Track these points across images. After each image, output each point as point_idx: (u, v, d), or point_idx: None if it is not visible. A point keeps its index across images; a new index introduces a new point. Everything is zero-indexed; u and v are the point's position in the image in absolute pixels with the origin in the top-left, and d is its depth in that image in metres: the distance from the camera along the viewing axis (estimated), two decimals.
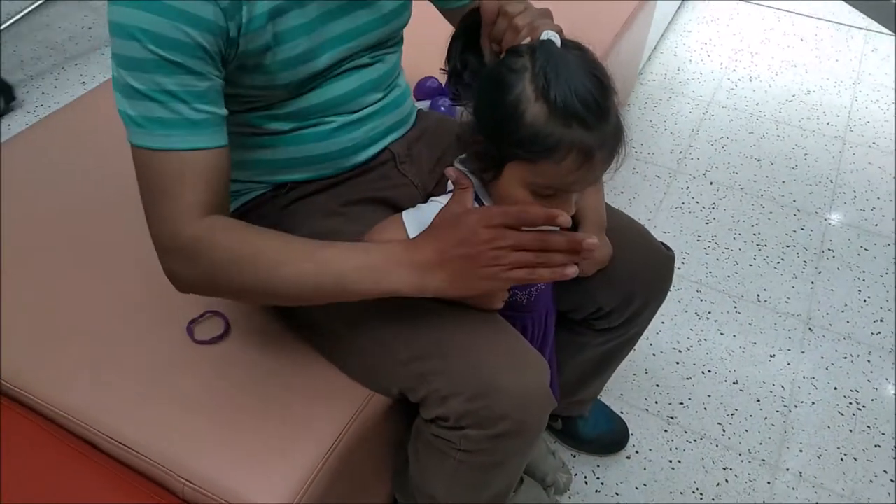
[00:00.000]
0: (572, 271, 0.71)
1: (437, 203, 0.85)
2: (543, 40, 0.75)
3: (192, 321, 1.01)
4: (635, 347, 1.26)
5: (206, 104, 0.74)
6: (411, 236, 0.84)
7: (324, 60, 0.85)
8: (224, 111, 0.77)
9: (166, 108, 0.72)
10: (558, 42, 0.75)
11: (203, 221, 0.76)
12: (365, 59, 0.92)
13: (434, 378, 0.86)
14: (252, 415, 0.92)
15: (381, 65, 0.95)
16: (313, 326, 0.97)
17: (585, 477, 1.39)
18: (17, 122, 2.13)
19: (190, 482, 0.86)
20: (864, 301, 1.76)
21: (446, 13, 1.04)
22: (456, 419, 0.86)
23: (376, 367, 0.92)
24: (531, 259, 0.71)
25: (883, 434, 1.48)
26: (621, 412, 1.47)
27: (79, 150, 1.27)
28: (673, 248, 1.12)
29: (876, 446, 1.46)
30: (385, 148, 1.00)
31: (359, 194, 0.99)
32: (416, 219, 0.85)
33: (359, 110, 0.93)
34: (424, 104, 1.43)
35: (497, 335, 0.89)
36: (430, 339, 0.87)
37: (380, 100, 0.95)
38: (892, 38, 2.77)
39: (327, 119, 0.90)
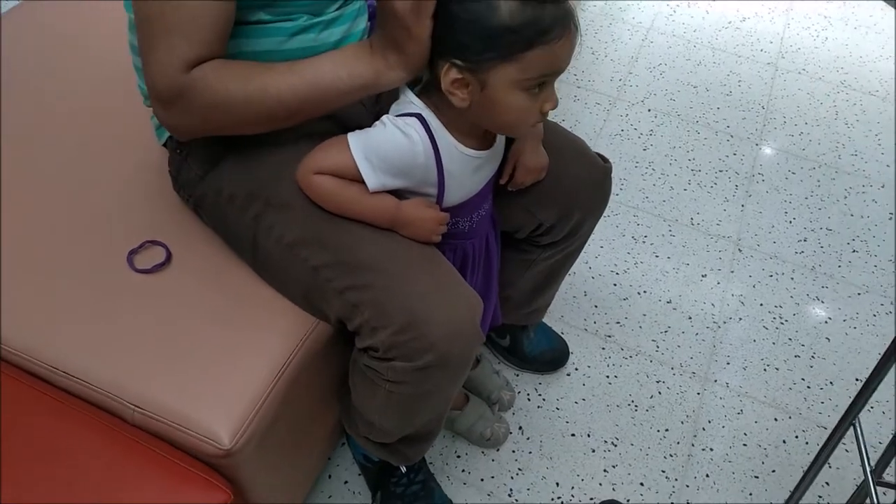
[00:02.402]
0: None
1: (382, 125, 0.85)
2: None
3: (132, 251, 0.99)
4: (575, 271, 1.31)
5: None
6: (356, 159, 0.84)
7: None
8: None
9: None
10: None
11: (198, 69, 0.79)
12: None
13: (366, 308, 0.88)
14: (199, 341, 0.93)
15: None
16: (255, 251, 0.97)
17: (528, 394, 1.45)
18: None
19: (139, 407, 0.87)
20: (790, 222, 1.85)
21: None
22: (384, 350, 0.88)
23: (315, 293, 0.93)
24: None
25: (802, 345, 1.58)
26: (562, 332, 1.53)
27: None
28: (612, 176, 1.15)
29: (795, 356, 1.56)
30: None
31: None
32: (362, 142, 0.84)
33: (322, 14, 0.90)
34: None
35: (431, 269, 0.91)
36: (366, 269, 0.88)
37: (344, 6, 0.93)
38: None
39: (294, 15, 0.88)
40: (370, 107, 1.01)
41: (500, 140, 0.96)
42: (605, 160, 1.13)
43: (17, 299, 0.94)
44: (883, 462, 0.98)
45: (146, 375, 0.89)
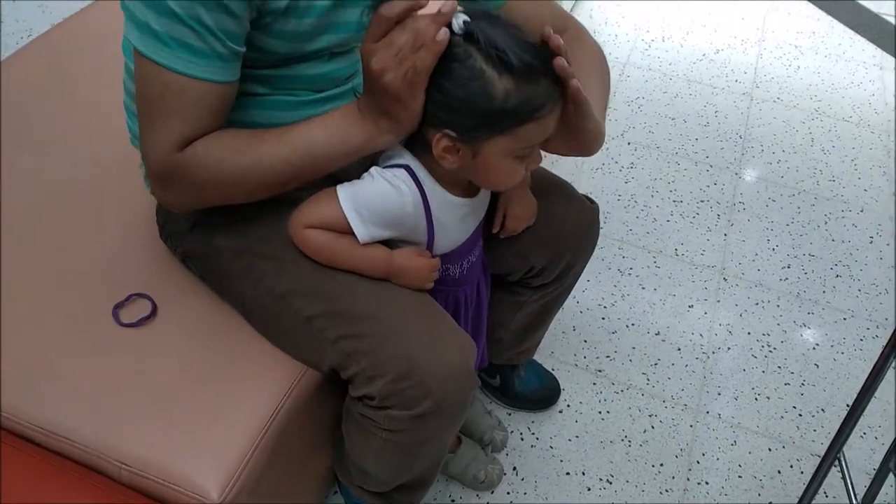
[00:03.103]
0: (443, 35, 0.72)
1: (371, 178, 0.85)
2: (463, 24, 0.74)
3: (118, 305, 0.99)
4: (563, 307, 1.31)
5: (234, 43, 0.76)
6: (346, 212, 0.84)
7: (321, 42, 0.85)
8: (244, 48, 0.79)
9: (200, 39, 0.74)
10: (469, 19, 0.75)
11: (191, 147, 0.79)
12: (350, 47, 0.91)
13: (362, 358, 0.87)
14: (186, 394, 0.92)
15: (356, 52, 0.93)
16: (245, 302, 0.97)
17: (521, 433, 1.44)
18: None
19: (126, 465, 0.85)
20: (773, 250, 1.86)
21: None
22: (381, 399, 0.87)
23: (306, 344, 0.93)
24: (408, 52, 0.72)
25: (791, 373, 1.59)
26: (552, 369, 1.53)
27: None
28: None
29: (785, 384, 1.56)
30: None
31: None
32: (351, 194, 0.85)
33: (325, 90, 0.92)
34: None
35: (424, 316, 0.91)
36: (360, 319, 0.88)
37: (345, 83, 0.94)
38: None
39: (296, 91, 0.89)
40: (362, 159, 1.02)
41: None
42: (591, 201, 1.14)
43: (3, 359, 0.93)
44: (871, 493, 0.98)
45: (132, 432, 0.88)
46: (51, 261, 1.04)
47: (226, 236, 0.94)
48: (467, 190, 0.91)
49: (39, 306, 0.99)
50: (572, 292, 1.24)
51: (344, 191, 0.85)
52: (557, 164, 2.05)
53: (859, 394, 0.90)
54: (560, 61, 0.75)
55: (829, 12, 2.81)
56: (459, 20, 0.74)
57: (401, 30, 0.72)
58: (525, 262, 1.10)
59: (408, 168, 0.85)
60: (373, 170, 0.86)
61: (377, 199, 0.85)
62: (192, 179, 0.81)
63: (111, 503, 0.83)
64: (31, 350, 0.94)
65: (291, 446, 0.98)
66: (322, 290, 0.89)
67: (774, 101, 2.36)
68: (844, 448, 1.00)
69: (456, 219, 0.91)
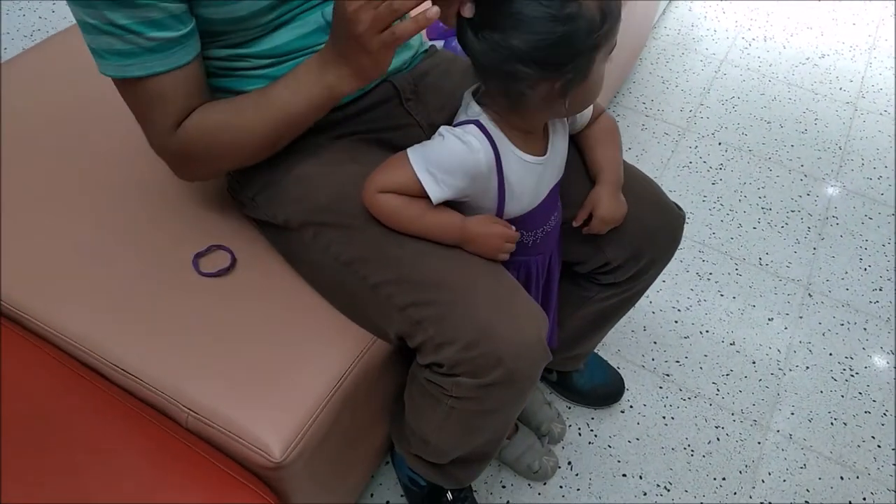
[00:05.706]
0: (433, 12, 0.72)
1: (441, 137, 0.83)
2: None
3: (198, 254, 0.99)
4: (636, 306, 1.27)
5: (161, 31, 0.77)
6: (418, 173, 0.82)
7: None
8: (184, 30, 0.79)
9: (122, 40, 0.76)
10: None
11: (182, 129, 0.84)
12: None
13: (430, 325, 0.85)
14: (258, 349, 0.92)
15: None
16: (312, 270, 0.96)
17: (579, 428, 1.40)
18: (14, 46, 2.07)
19: (194, 412, 0.86)
20: (865, 270, 1.76)
21: None
22: (450, 366, 0.85)
23: (374, 311, 0.91)
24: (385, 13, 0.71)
25: (874, 401, 1.50)
26: (618, 367, 1.48)
27: (75, 79, 1.23)
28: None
29: (866, 412, 1.48)
30: (386, 80, 0.96)
31: (359, 133, 0.96)
32: (422, 155, 0.83)
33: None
34: (438, 44, 1.39)
35: (496, 285, 0.88)
36: (429, 286, 0.86)
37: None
38: None
39: (309, 52, 0.87)
40: (427, 130, 0.99)
41: (561, 147, 0.93)
42: (679, 208, 1.09)
43: (83, 293, 0.95)
44: None
45: (204, 380, 0.88)
46: (136, 208, 1.06)
47: (290, 209, 0.92)
48: (538, 148, 0.88)
49: (121, 248, 1.00)
50: (646, 293, 1.19)
51: (415, 153, 0.83)
52: (643, 157, 1.98)
53: None
54: None
55: None
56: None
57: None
58: (600, 255, 1.06)
59: (478, 123, 0.83)
60: (442, 129, 0.84)
61: (448, 156, 0.82)
62: (194, 154, 0.86)
63: (173, 445, 0.84)
64: (111, 290, 0.96)
65: (354, 412, 0.97)
66: (390, 256, 0.87)
67: (881, 114, 2.23)
68: None
69: (528, 179, 0.88)
